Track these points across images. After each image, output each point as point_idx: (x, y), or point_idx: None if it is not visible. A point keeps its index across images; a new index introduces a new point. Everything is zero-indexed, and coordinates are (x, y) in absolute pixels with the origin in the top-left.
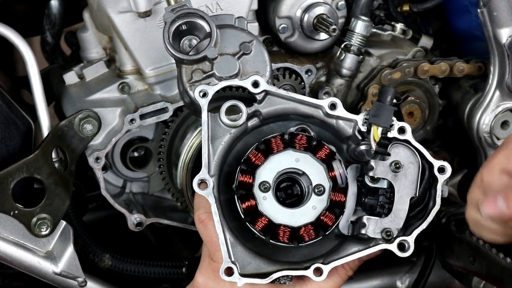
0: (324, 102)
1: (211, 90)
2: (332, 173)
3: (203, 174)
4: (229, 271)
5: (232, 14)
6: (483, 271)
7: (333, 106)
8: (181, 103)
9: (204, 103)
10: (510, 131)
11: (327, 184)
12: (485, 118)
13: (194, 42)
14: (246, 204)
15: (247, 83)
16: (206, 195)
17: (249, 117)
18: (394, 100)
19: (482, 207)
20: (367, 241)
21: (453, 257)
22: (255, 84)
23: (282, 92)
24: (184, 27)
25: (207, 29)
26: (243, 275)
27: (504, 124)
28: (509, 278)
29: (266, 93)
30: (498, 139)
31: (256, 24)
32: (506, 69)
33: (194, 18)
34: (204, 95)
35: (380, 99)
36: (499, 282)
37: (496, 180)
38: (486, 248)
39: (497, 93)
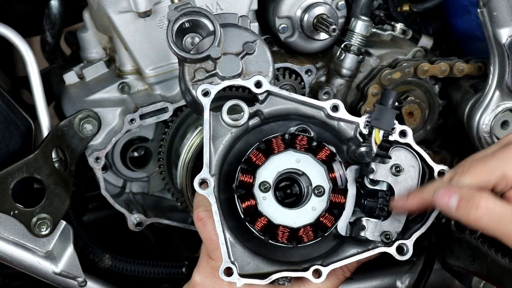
0: (326, 103)
1: (214, 90)
2: (333, 175)
3: (204, 173)
4: (228, 271)
5: (235, 13)
6: (483, 271)
7: (335, 108)
8: (181, 103)
9: (206, 102)
10: (510, 131)
11: (327, 185)
12: (485, 118)
13: (197, 40)
14: (246, 203)
15: (250, 83)
16: (207, 195)
17: (250, 117)
18: (396, 103)
19: (437, 195)
20: (366, 243)
21: (453, 257)
22: (258, 84)
23: (284, 93)
24: (187, 25)
25: (211, 27)
26: (242, 275)
27: (504, 124)
28: (509, 278)
29: (269, 93)
30: (498, 139)
31: (256, 24)
32: (506, 69)
33: (198, 17)
34: (207, 94)
35: (382, 102)
36: (499, 282)
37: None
38: (486, 248)
39: (497, 93)
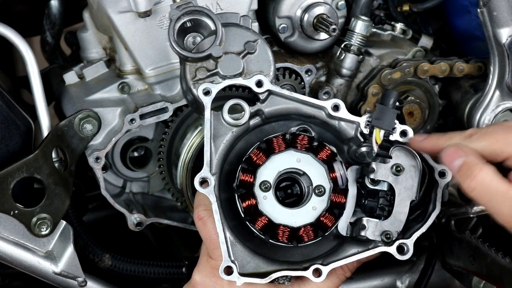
0: (327, 103)
1: (215, 89)
2: (333, 174)
3: (204, 172)
4: (228, 270)
5: (237, 12)
6: (483, 271)
7: (336, 108)
8: (181, 103)
9: (207, 101)
10: None
11: (327, 185)
12: (485, 118)
13: (198, 39)
14: (247, 203)
15: (251, 83)
16: (207, 194)
17: (251, 116)
18: (397, 103)
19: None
20: (366, 243)
21: (453, 257)
22: (259, 84)
23: (285, 92)
24: (188, 24)
25: (212, 27)
26: (242, 274)
27: None
28: (509, 278)
29: (270, 92)
30: None
31: (256, 24)
32: (506, 69)
33: (200, 16)
34: (208, 93)
35: (383, 102)
36: (499, 282)
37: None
38: (486, 248)
39: (497, 93)
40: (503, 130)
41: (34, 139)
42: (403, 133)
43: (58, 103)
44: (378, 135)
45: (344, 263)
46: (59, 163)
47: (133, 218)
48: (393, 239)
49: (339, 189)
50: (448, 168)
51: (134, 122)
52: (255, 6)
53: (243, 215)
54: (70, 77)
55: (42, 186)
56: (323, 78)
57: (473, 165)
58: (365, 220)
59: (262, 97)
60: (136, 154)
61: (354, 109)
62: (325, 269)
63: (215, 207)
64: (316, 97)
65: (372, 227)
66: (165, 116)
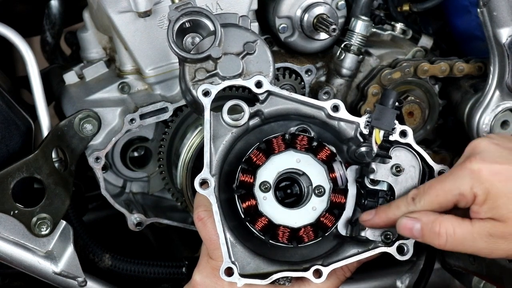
0: (327, 103)
1: (214, 90)
2: (333, 175)
3: (204, 173)
4: (229, 271)
5: (236, 13)
6: (483, 271)
7: (335, 108)
8: (181, 103)
9: (207, 102)
10: (510, 130)
11: (327, 185)
12: (485, 118)
13: (197, 40)
14: (247, 203)
15: (250, 83)
16: (207, 195)
17: (251, 117)
18: (396, 103)
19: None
20: (366, 243)
21: (453, 257)
22: (258, 84)
23: (285, 93)
24: (187, 25)
25: (211, 27)
26: (242, 275)
27: (504, 124)
28: (509, 278)
29: (269, 93)
30: None
31: (256, 24)
32: (506, 69)
33: (199, 17)
34: (207, 94)
35: (383, 102)
36: (499, 282)
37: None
38: None
39: (497, 93)
40: (438, 182)
41: (34, 139)
42: (403, 133)
43: (58, 103)
44: (378, 135)
45: (344, 264)
46: (59, 163)
47: (133, 218)
48: (393, 239)
49: (338, 189)
50: (412, 238)
51: (134, 122)
52: (255, 6)
53: (243, 216)
54: (70, 77)
55: (42, 186)
56: (323, 78)
57: (432, 224)
58: None
59: (261, 97)
60: (136, 154)
61: (354, 109)
62: (325, 270)
63: (215, 208)
64: (316, 97)
65: (372, 228)
66: (165, 116)
